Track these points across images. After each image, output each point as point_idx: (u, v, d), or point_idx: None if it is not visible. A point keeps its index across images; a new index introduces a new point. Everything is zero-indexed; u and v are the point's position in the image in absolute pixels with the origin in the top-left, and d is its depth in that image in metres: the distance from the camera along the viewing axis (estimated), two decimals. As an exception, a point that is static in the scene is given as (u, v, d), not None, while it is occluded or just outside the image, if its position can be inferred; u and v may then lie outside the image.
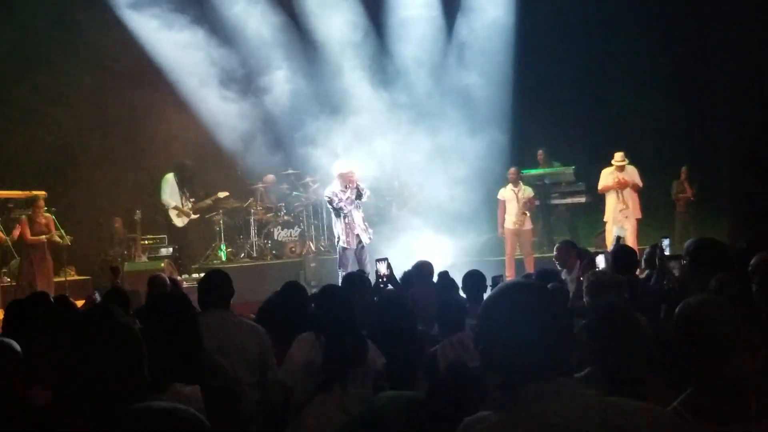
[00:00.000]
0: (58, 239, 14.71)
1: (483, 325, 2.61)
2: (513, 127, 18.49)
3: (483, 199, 17.01)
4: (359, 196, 13.51)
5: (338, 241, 13.69)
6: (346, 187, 13.48)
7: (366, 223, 13.81)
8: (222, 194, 17.31)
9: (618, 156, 15.74)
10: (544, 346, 2.50)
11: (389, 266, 9.47)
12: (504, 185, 16.55)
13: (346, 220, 13.53)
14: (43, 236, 14.47)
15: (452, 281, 8.87)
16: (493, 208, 16.75)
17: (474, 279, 8.28)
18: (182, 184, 16.63)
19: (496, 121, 18.12)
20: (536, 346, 2.50)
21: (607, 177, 15.84)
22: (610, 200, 15.78)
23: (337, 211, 13.58)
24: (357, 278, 8.83)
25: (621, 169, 15.73)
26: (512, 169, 16.61)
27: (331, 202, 13.59)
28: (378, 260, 9.61)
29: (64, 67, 17.34)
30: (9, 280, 15.24)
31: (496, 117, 18.22)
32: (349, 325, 5.88)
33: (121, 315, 2.87)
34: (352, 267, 13.05)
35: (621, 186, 15.64)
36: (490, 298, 2.63)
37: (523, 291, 2.61)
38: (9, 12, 17.10)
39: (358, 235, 13.51)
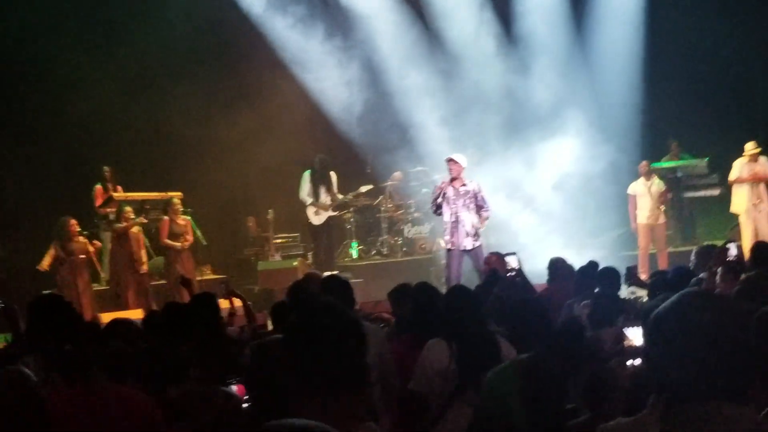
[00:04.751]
0: (187, 243, 15.14)
1: (654, 339, 2.51)
2: (642, 119, 18.21)
3: (614, 194, 16.77)
4: (479, 207, 13.01)
5: (444, 241, 13.20)
6: (460, 181, 12.95)
7: (475, 229, 13.01)
8: (364, 188, 17.25)
9: (750, 145, 15.39)
10: (717, 368, 2.40)
11: (519, 261, 9.39)
12: (635, 179, 16.33)
13: (452, 219, 12.92)
14: (177, 244, 14.91)
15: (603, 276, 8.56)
16: (625, 202, 16.52)
17: (610, 276, 8.14)
18: (319, 180, 16.73)
19: (626, 114, 17.89)
20: (709, 367, 2.39)
21: (740, 168, 15.46)
22: (742, 193, 15.41)
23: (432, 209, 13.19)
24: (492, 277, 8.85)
25: (754, 159, 15.35)
26: (643, 163, 16.40)
27: (432, 195, 13.27)
28: (507, 254, 9.51)
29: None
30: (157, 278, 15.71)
31: (625, 110, 17.99)
32: (480, 328, 5.90)
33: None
34: (458, 271, 12.79)
35: (756, 179, 15.27)
36: (665, 310, 2.52)
37: (702, 307, 2.48)
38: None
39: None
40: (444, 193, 12.99)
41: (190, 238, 15.17)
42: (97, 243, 14.79)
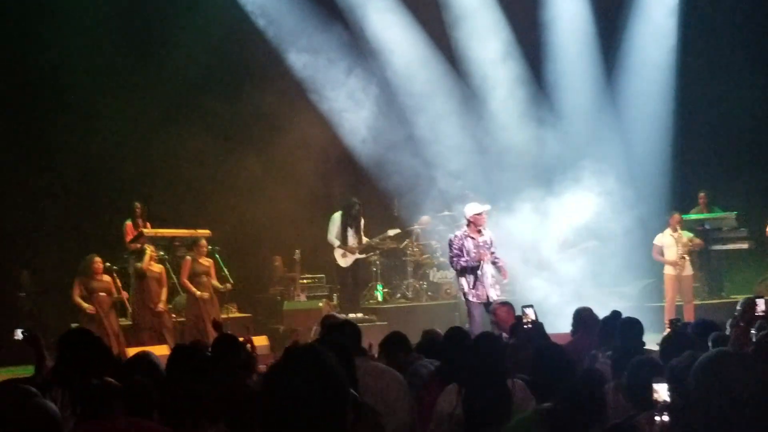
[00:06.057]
0: (216, 285, 15.25)
1: (686, 395, 2.60)
2: (672, 171, 18.21)
3: (640, 244, 16.67)
4: (493, 254, 12.87)
5: (465, 294, 12.84)
6: (479, 232, 12.84)
7: (495, 278, 12.92)
8: (392, 232, 17.29)
9: None
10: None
11: (536, 313, 9.29)
12: (662, 230, 16.28)
13: (477, 272, 12.71)
14: (195, 291, 14.92)
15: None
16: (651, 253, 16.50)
17: (632, 327, 8.05)
18: (349, 223, 16.82)
19: (655, 165, 17.89)
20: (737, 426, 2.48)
21: None
22: None
23: (459, 267, 12.79)
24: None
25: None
26: (676, 215, 16.30)
27: (453, 251, 12.83)
28: (524, 306, 9.39)
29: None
30: (174, 316, 15.71)
31: (654, 161, 17.99)
32: (492, 376, 5.87)
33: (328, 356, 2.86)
34: (483, 325, 12.29)
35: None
36: (699, 368, 2.60)
37: (734, 368, 2.57)
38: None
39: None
40: (464, 248, 12.84)
41: (211, 279, 15.22)
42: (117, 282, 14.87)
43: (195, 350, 6.66)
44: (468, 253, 12.76)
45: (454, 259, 12.91)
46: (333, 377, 2.73)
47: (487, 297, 12.67)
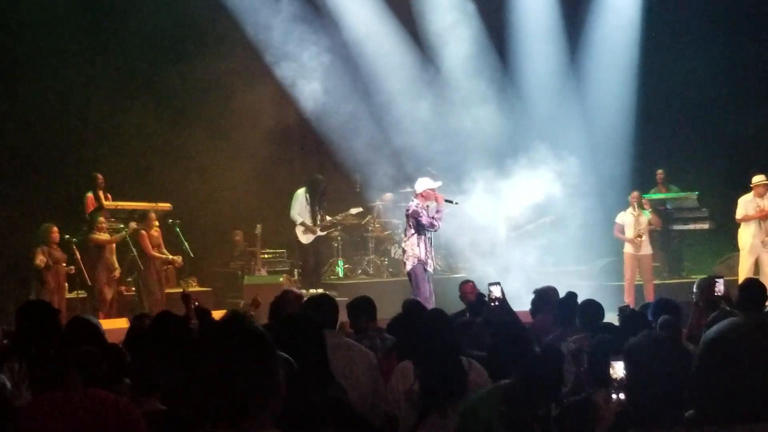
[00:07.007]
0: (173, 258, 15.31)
1: (706, 362, 2.67)
2: (634, 149, 18.27)
3: (602, 223, 16.74)
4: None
5: (414, 261, 13.01)
6: (427, 207, 13.02)
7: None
8: (354, 210, 17.30)
9: (758, 177, 15.28)
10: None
11: (502, 291, 9.20)
12: (624, 209, 16.32)
13: (429, 238, 13.07)
14: (168, 256, 15.02)
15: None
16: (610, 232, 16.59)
17: (592, 309, 8.02)
18: (313, 200, 16.76)
19: (617, 143, 17.95)
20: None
21: (746, 205, 15.34)
22: (748, 229, 15.24)
23: (425, 227, 12.92)
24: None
25: (761, 193, 15.24)
26: (635, 193, 16.34)
27: (418, 215, 12.93)
28: (491, 284, 9.25)
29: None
30: (124, 288, 15.60)
31: (616, 138, 18.06)
32: (448, 354, 5.86)
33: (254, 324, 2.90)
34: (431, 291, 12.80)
35: (763, 216, 15.17)
36: (718, 335, 2.68)
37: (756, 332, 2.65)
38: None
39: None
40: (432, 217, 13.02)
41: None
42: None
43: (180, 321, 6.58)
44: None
45: (431, 219, 12.98)
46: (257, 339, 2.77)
47: (431, 267, 13.21)
